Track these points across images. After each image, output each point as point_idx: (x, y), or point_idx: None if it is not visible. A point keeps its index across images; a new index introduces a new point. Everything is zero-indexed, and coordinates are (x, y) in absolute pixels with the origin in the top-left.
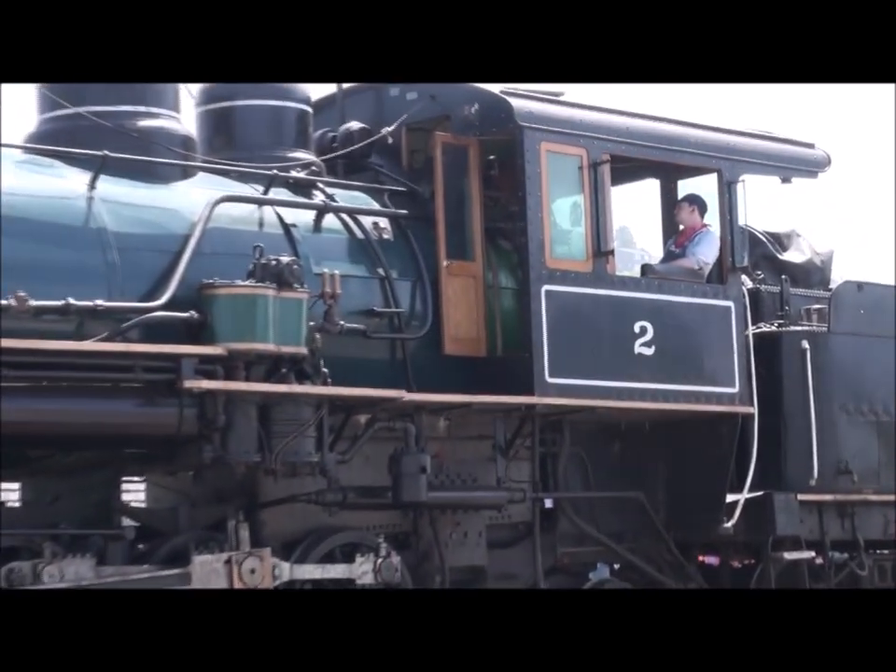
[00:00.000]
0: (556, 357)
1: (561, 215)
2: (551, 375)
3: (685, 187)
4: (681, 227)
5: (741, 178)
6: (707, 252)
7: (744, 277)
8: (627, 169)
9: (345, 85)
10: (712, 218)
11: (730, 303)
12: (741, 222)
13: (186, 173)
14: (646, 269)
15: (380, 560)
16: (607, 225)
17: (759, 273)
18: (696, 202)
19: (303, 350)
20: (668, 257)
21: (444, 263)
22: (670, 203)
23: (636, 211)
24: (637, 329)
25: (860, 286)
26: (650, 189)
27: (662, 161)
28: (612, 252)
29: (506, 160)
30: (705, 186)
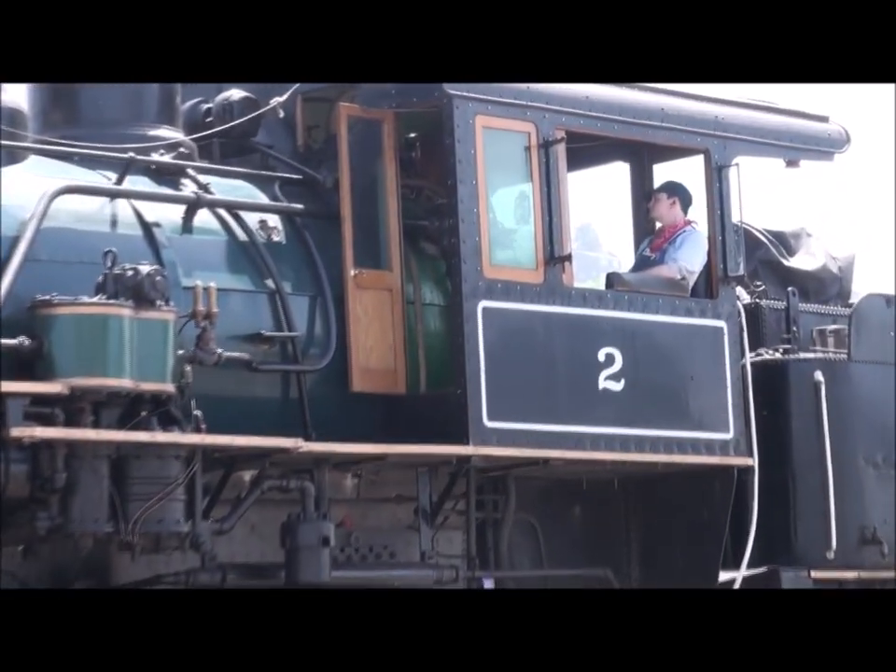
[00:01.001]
0: (497, 395)
1: (503, 210)
2: (490, 418)
3: (663, 173)
4: (658, 225)
5: (735, 161)
6: (691, 257)
7: (739, 289)
8: (589, 150)
9: None
10: (698, 214)
11: (722, 323)
12: (735, 218)
13: (13, 156)
14: (613, 279)
15: None
16: (562, 222)
17: (759, 283)
18: (677, 192)
19: (169, 387)
20: (642, 263)
21: (352, 273)
22: (644, 194)
23: (600, 204)
24: (601, 357)
25: (888, 300)
26: (618, 175)
27: (632, 140)
28: (570, 258)
29: (431, 138)
30: (688, 171)
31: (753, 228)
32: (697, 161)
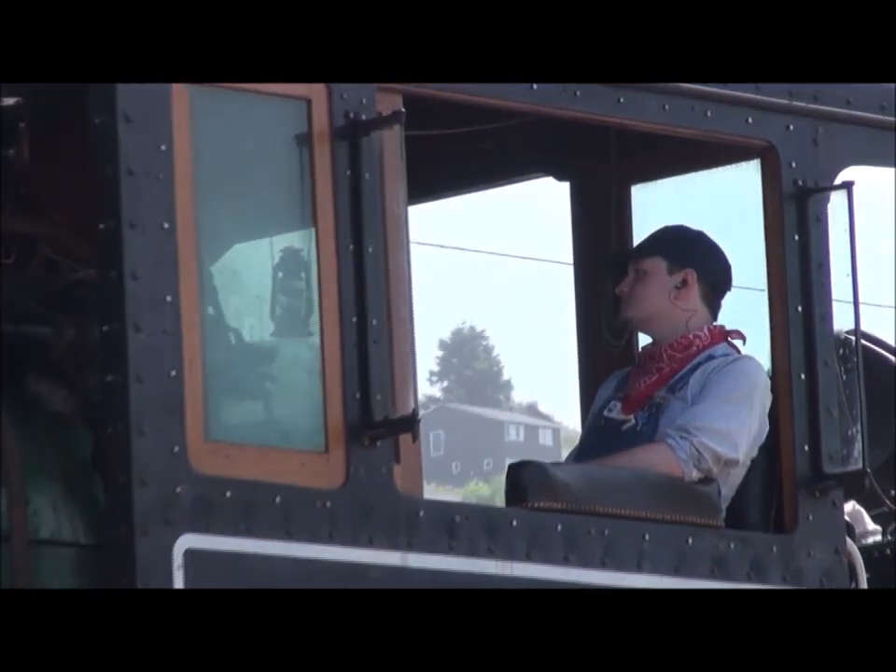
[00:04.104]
0: None
1: (246, 302)
2: None
3: (652, 206)
4: (643, 344)
5: (841, 174)
6: (728, 425)
7: (857, 510)
8: (471, 149)
9: None
10: (744, 314)
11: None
12: (842, 325)
13: None
14: (525, 478)
15: None
16: (398, 329)
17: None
18: (694, 257)
19: None
20: (602, 436)
21: None
22: (607, 258)
23: (500, 283)
24: None
25: None
26: (542, 210)
27: (591, 120)
28: (415, 421)
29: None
30: (706, 208)
31: (886, 345)
32: (733, 180)
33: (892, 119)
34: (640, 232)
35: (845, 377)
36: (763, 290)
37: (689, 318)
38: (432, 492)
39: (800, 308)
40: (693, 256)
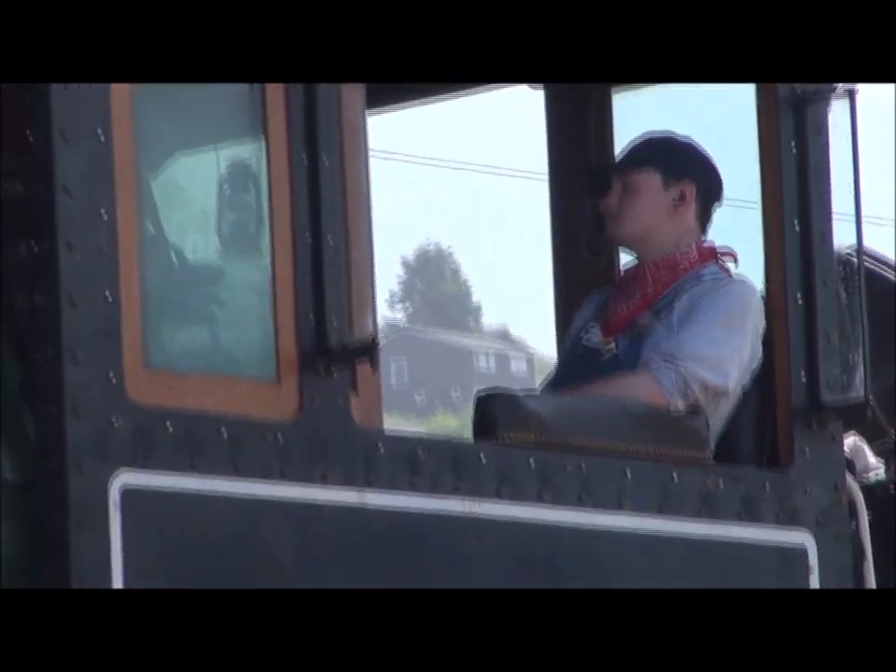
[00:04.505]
0: None
1: (188, 221)
2: None
3: (634, 114)
4: (626, 260)
5: (841, 85)
6: (718, 351)
7: (856, 442)
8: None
9: None
10: (737, 232)
11: (803, 538)
12: (843, 242)
13: None
14: (495, 408)
15: None
16: (355, 247)
17: None
18: (687, 170)
19: None
20: (580, 363)
21: None
22: (589, 170)
23: (466, 202)
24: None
25: None
26: (514, 118)
27: None
28: (375, 349)
29: None
30: (699, 118)
31: (891, 265)
32: (724, 86)
33: None
34: (622, 143)
35: (845, 299)
36: (757, 206)
37: (677, 234)
38: (394, 425)
39: (797, 224)
40: (691, 168)
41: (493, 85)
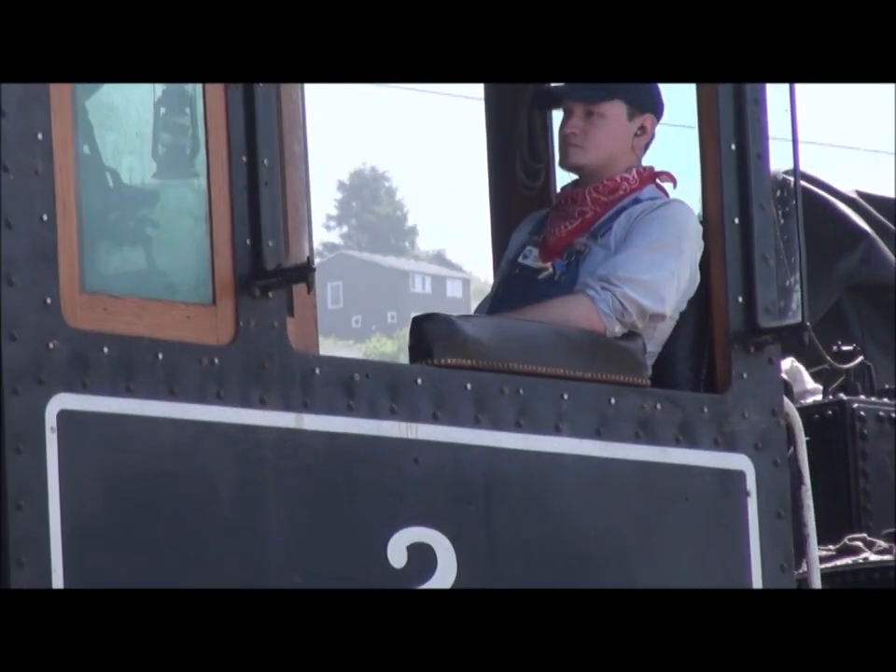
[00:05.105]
0: None
1: (125, 141)
2: None
3: None
4: (576, 174)
5: None
6: (655, 271)
7: (795, 365)
8: None
9: None
10: (680, 153)
11: (740, 461)
12: (779, 164)
13: None
14: (428, 329)
15: None
16: (286, 161)
17: (855, 346)
18: (653, 99)
19: None
20: (519, 285)
21: None
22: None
23: (405, 112)
24: (397, 555)
25: None
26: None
27: None
28: (309, 269)
29: None
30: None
31: (827, 187)
32: None
33: None
34: None
35: (783, 222)
36: (694, 127)
37: (617, 153)
38: (330, 348)
39: (733, 146)
40: (652, 100)
41: None
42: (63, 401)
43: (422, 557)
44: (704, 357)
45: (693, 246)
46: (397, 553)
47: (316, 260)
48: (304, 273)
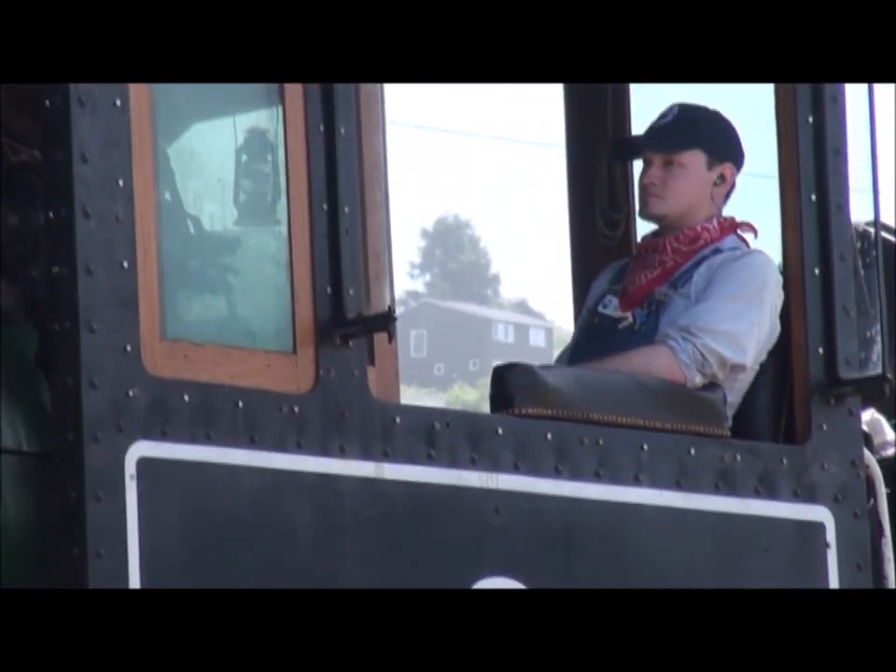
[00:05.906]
0: None
1: (205, 192)
2: None
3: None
4: (641, 234)
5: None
6: (736, 324)
7: (875, 417)
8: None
9: None
10: (755, 208)
11: (820, 513)
12: (860, 217)
13: None
14: (511, 381)
15: None
16: (370, 220)
17: None
18: (733, 148)
19: None
20: (600, 335)
21: None
22: (613, 145)
23: (486, 177)
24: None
25: None
26: (534, 102)
27: None
28: (391, 319)
29: None
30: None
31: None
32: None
33: None
34: (638, 111)
35: (863, 272)
36: (774, 177)
37: (699, 208)
38: (413, 396)
39: (814, 197)
40: (731, 148)
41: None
42: (142, 449)
43: None
44: (784, 408)
45: (774, 297)
46: None
47: (400, 308)
48: (385, 321)
